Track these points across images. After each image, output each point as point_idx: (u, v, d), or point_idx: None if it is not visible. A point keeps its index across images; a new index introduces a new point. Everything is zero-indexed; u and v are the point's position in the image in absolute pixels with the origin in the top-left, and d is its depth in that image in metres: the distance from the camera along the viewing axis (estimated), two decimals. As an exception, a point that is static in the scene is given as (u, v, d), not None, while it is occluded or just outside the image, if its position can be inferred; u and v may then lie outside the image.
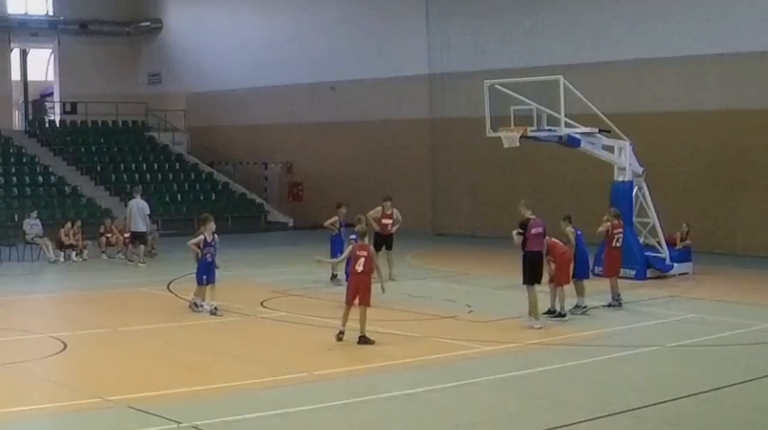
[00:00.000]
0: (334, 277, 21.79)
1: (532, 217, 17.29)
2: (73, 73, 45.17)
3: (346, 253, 16.64)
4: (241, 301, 19.81)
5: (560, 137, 22.67)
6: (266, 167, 42.31)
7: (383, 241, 22.70)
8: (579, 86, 23.05)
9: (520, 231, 17.10)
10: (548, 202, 32.03)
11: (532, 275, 17.10)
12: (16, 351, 15.12)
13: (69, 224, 27.75)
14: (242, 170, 42.66)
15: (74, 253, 27.37)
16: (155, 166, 40.88)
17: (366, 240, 16.04)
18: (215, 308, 17.94)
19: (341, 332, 15.46)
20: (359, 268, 15.40)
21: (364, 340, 15.26)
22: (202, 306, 18.05)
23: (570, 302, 18.07)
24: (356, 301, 15.37)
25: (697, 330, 17.16)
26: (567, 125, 22.53)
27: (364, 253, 15.49)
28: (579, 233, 18.67)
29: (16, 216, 31.58)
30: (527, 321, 17.03)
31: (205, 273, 18.04)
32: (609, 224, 19.78)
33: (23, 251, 27.43)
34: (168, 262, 27.13)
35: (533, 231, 17.10)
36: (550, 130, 22.64)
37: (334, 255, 20.90)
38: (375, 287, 15.90)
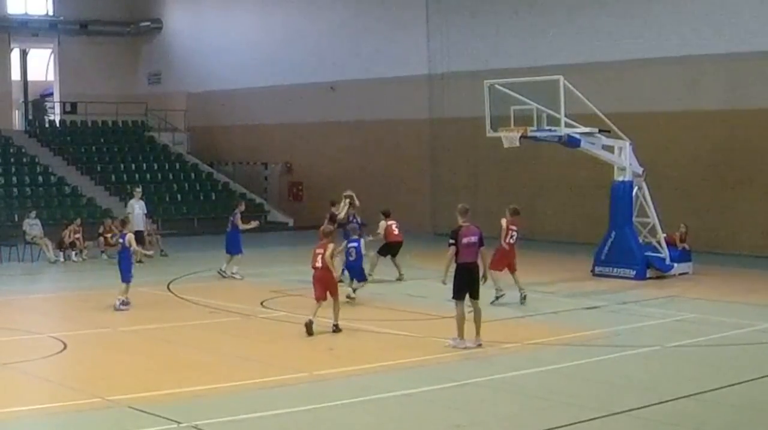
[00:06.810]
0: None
1: (465, 224, 15.41)
2: (73, 73, 45.20)
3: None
4: (241, 301, 19.83)
5: (560, 137, 22.64)
6: (266, 167, 42.31)
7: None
8: (579, 86, 23.02)
9: (451, 241, 15.25)
10: (548, 202, 32.15)
11: (458, 289, 15.35)
12: (16, 351, 15.11)
13: (72, 225, 27.76)
14: (242, 170, 42.66)
15: (74, 253, 27.39)
16: (155, 166, 40.86)
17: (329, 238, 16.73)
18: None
19: (310, 321, 16.11)
20: (318, 264, 16.29)
21: (336, 328, 16.32)
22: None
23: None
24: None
25: (697, 330, 17.14)
26: (567, 125, 22.49)
27: (321, 251, 16.34)
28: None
29: (16, 216, 31.59)
30: (450, 342, 15.30)
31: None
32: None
33: (23, 251, 27.45)
34: (168, 262, 27.19)
35: (464, 241, 15.21)
36: (550, 130, 22.60)
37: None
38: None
